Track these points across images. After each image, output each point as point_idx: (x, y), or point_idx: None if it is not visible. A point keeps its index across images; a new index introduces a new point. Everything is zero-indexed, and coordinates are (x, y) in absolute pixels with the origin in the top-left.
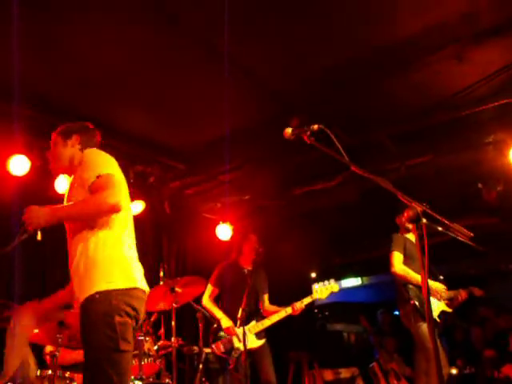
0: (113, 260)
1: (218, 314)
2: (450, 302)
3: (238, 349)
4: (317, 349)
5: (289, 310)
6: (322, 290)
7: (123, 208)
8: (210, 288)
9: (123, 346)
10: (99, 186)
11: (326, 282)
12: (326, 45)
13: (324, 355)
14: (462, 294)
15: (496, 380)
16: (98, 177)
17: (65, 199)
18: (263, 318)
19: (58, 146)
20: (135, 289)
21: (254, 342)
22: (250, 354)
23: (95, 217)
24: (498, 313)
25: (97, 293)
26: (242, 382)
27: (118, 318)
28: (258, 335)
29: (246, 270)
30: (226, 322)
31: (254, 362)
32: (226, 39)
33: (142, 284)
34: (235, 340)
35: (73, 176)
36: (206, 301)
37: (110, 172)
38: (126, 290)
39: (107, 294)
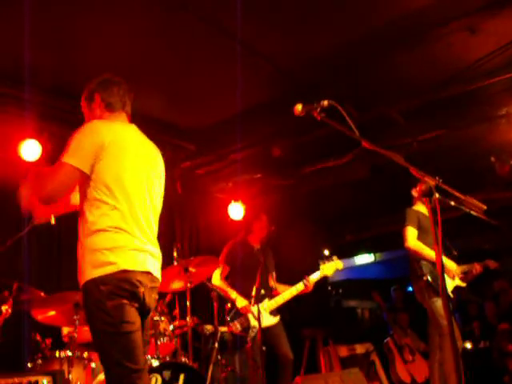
0: (100, 246)
1: (232, 293)
2: (464, 275)
3: (254, 327)
4: (331, 325)
5: (300, 287)
6: (327, 267)
7: (116, 188)
8: (220, 267)
9: (124, 328)
10: (49, 169)
11: (330, 259)
12: (336, 20)
13: (338, 332)
14: (477, 268)
15: (510, 353)
16: (58, 160)
17: None
18: (274, 295)
19: (87, 113)
20: (124, 271)
21: (269, 320)
22: (266, 331)
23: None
24: None
25: (87, 281)
26: (257, 360)
27: (110, 303)
28: (272, 313)
29: (255, 249)
30: (241, 301)
31: (270, 339)
32: (235, 20)
33: (138, 265)
34: (251, 318)
35: None
36: (217, 280)
37: (68, 162)
38: (113, 273)
39: (95, 281)
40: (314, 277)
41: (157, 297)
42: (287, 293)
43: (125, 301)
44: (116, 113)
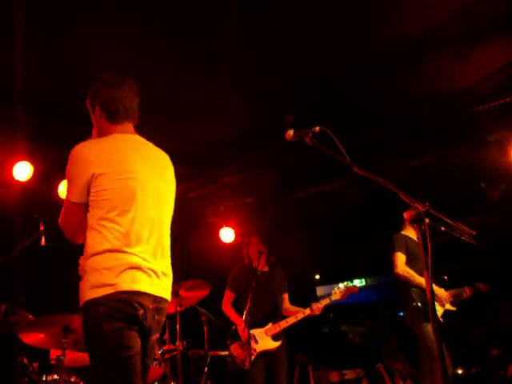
0: (99, 266)
1: (235, 318)
2: (454, 299)
3: (254, 350)
4: (322, 350)
5: (307, 311)
6: (342, 291)
7: (114, 211)
8: (226, 293)
9: (121, 353)
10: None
11: (346, 283)
12: (326, 46)
13: (329, 357)
14: (467, 291)
15: (503, 379)
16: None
17: None
18: (282, 319)
19: (93, 120)
20: (123, 293)
21: (270, 344)
22: (266, 355)
23: None
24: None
25: (85, 302)
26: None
27: (107, 326)
28: (275, 337)
29: (259, 272)
30: (241, 325)
31: (269, 363)
32: (229, 46)
33: (138, 286)
34: (252, 342)
35: None
36: (224, 306)
37: (70, 199)
38: (112, 294)
39: (93, 302)
40: (323, 301)
41: (163, 318)
42: (292, 317)
43: (122, 324)
44: (120, 124)
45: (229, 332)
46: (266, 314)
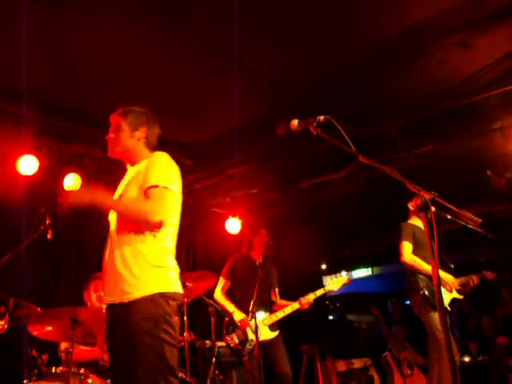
0: (167, 266)
1: (230, 307)
2: (461, 287)
3: (252, 340)
4: (329, 340)
5: (295, 306)
6: (334, 283)
7: (171, 221)
8: (221, 281)
9: (178, 344)
10: (153, 195)
11: (338, 274)
12: (332, 38)
13: (336, 346)
14: (474, 279)
15: (509, 367)
16: (156, 186)
17: (121, 186)
18: (274, 310)
19: (123, 134)
20: (180, 293)
21: (267, 334)
22: (264, 345)
23: (134, 221)
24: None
25: (156, 293)
26: (255, 375)
27: (175, 318)
28: (272, 327)
29: (257, 263)
30: (238, 314)
31: (269, 353)
32: (232, 37)
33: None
34: (249, 332)
35: (132, 168)
36: (218, 294)
37: (168, 186)
38: (178, 294)
39: (165, 296)
40: (318, 292)
41: None
42: (288, 307)
43: (178, 321)
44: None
45: (224, 322)
46: (262, 305)
